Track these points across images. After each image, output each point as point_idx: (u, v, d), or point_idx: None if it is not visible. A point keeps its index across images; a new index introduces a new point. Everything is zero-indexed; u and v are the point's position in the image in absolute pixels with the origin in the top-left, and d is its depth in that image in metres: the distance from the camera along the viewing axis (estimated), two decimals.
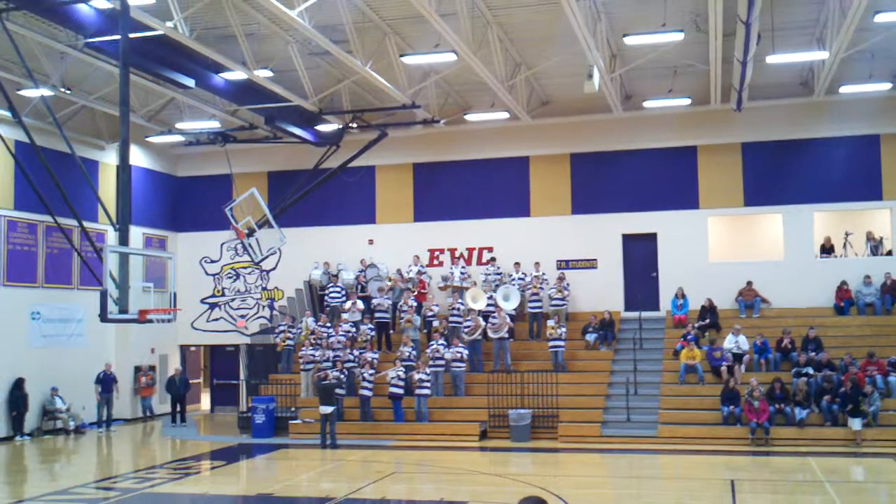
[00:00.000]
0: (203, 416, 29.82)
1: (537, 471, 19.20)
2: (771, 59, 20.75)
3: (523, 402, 22.55)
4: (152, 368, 28.30)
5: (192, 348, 31.36)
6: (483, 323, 24.48)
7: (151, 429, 26.42)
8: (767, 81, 23.89)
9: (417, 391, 22.68)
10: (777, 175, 25.74)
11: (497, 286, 25.81)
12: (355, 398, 23.40)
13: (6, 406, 23.57)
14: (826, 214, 26.04)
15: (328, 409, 21.60)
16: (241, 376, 28.85)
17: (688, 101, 24.60)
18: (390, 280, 26.96)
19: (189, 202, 30.46)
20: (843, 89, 23.68)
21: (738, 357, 22.71)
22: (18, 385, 23.62)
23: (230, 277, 29.99)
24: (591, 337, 24.84)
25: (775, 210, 25.98)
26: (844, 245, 25.77)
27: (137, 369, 27.98)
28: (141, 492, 16.50)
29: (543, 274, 26.00)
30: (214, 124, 26.58)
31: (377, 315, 25.75)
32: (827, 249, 25.85)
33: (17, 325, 24.15)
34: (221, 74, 21.41)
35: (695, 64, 22.38)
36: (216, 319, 29.99)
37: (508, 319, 24.34)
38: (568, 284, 25.85)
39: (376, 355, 24.15)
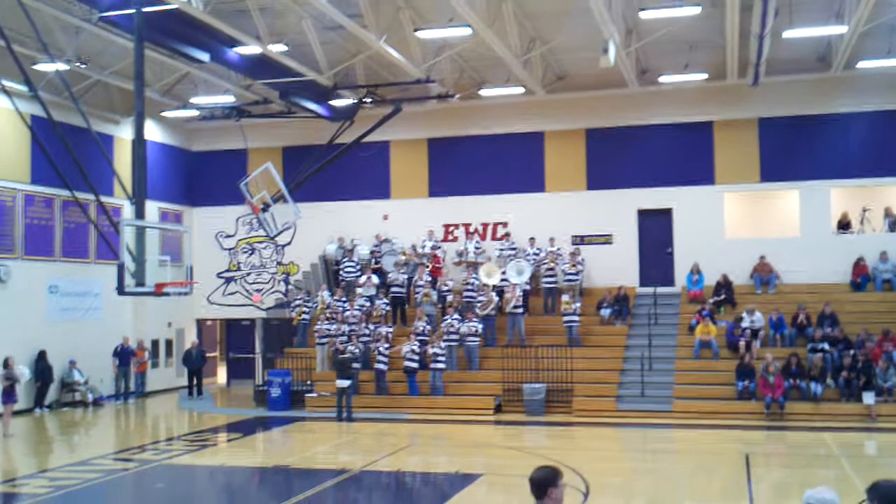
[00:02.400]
0: (219, 390, 30.04)
1: (552, 444, 19.30)
2: (788, 34, 20.57)
3: (538, 377, 22.61)
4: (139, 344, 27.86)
5: (209, 322, 31.56)
6: (496, 298, 24.52)
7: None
8: (784, 56, 23.68)
9: (432, 365, 22.79)
10: (794, 151, 25.58)
11: (511, 261, 25.81)
12: (370, 372, 23.52)
13: (32, 378, 23.79)
14: (843, 190, 25.86)
15: (345, 383, 21.74)
16: (257, 350, 29.02)
17: (704, 76, 24.43)
18: (405, 255, 27.00)
19: (204, 177, 30.55)
20: (861, 64, 23.48)
21: (754, 333, 22.67)
22: (42, 357, 23.86)
23: (245, 252, 30.11)
24: (605, 312, 24.85)
25: (792, 186, 25.83)
26: (862, 221, 25.61)
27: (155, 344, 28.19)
28: (159, 463, 16.69)
29: (558, 249, 26.00)
30: (229, 99, 26.60)
31: (392, 290, 25.83)
32: (844, 225, 25.72)
33: (35, 298, 24.33)
34: (236, 49, 21.39)
35: (711, 38, 22.22)
36: (232, 293, 30.15)
37: (519, 292, 24.32)
38: (582, 259, 25.84)
39: (391, 329, 24.26)
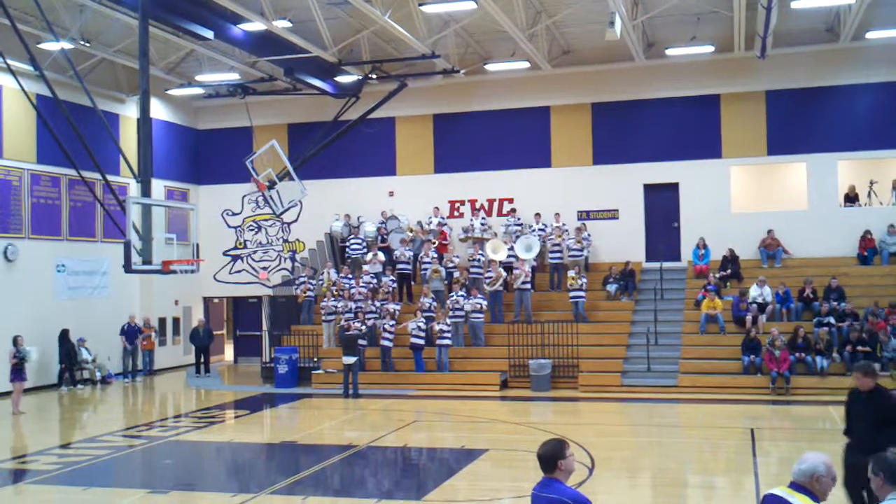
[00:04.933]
0: (227, 367, 30.22)
1: (557, 419, 19.35)
2: (796, 5, 20.42)
3: (544, 353, 22.66)
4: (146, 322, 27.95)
5: (216, 300, 31.66)
6: (504, 273, 24.52)
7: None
8: (792, 28, 23.50)
9: (438, 342, 22.84)
10: (801, 123, 25.42)
11: (517, 237, 25.78)
12: (377, 349, 23.60)
13: (57, 358, 24.08)
14: (850, 163, 25.70)
15: (351, 360, 21.82)
16: (264, 327, 29.12)
17: (711, 49, 24.23)
18: (411, 231, 27.00)
19: (210, 155, 30.54)
20: (870, 35, 23.27)
21: (761, 307, 22.64)
22: (65, 336, 24.12)
23: (252, 230, 30.15)
24: (611, 287, 24.83)
25: (799, 159, 25.69)
26: (869, 194, 25.49)
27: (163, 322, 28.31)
28: (167, 439, 16.81)
29: (564, 225, 25.95)
30: (234, 76, 26.53)
31: (399, 266, 25.85)
32: (851, 198, 25.60)
33: (43, 277, 24.42)
34: (240, 25, 21.34)
35: (718, 10, 22.05)
36: (238, 271, 30.22)
37: (527, 268, 24.31)
38: (588, 235, 25.79)
39: (398, 306, 24.31)
